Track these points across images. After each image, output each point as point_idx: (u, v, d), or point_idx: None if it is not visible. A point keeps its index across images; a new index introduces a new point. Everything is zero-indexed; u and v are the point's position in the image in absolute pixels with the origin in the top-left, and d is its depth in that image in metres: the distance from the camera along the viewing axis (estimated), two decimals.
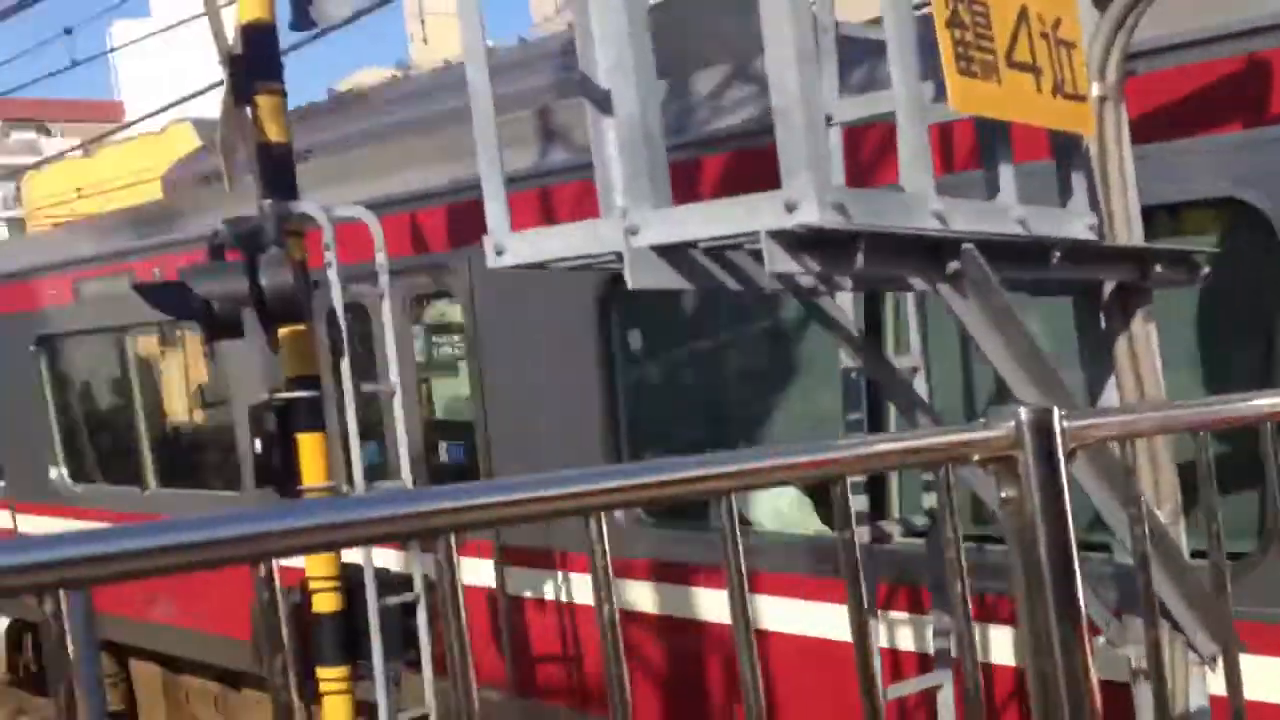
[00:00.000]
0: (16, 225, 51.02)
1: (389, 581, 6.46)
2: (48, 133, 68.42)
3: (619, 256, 2.55)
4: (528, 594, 6.95)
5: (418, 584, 6.44)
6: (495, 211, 2.69)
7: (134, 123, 22.23)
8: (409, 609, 6.44)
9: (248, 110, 5.83)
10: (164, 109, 17.68)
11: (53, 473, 10.28)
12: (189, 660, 9.68)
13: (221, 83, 10.95)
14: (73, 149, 29.25)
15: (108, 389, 10.21)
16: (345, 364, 6.22)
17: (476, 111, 2.65)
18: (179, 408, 9.82)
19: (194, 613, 8.98)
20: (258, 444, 6.46)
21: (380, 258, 6.26)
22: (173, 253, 8.51)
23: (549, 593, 6.82)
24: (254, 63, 5.73)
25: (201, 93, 13.67)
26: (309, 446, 6.21)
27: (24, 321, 10.37)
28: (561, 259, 2.75)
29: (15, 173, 48.69)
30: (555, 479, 1.65)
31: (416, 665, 6.47)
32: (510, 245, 2.69)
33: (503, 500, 1.65)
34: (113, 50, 21.04)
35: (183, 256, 8.01)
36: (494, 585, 7.07)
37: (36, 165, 37.37)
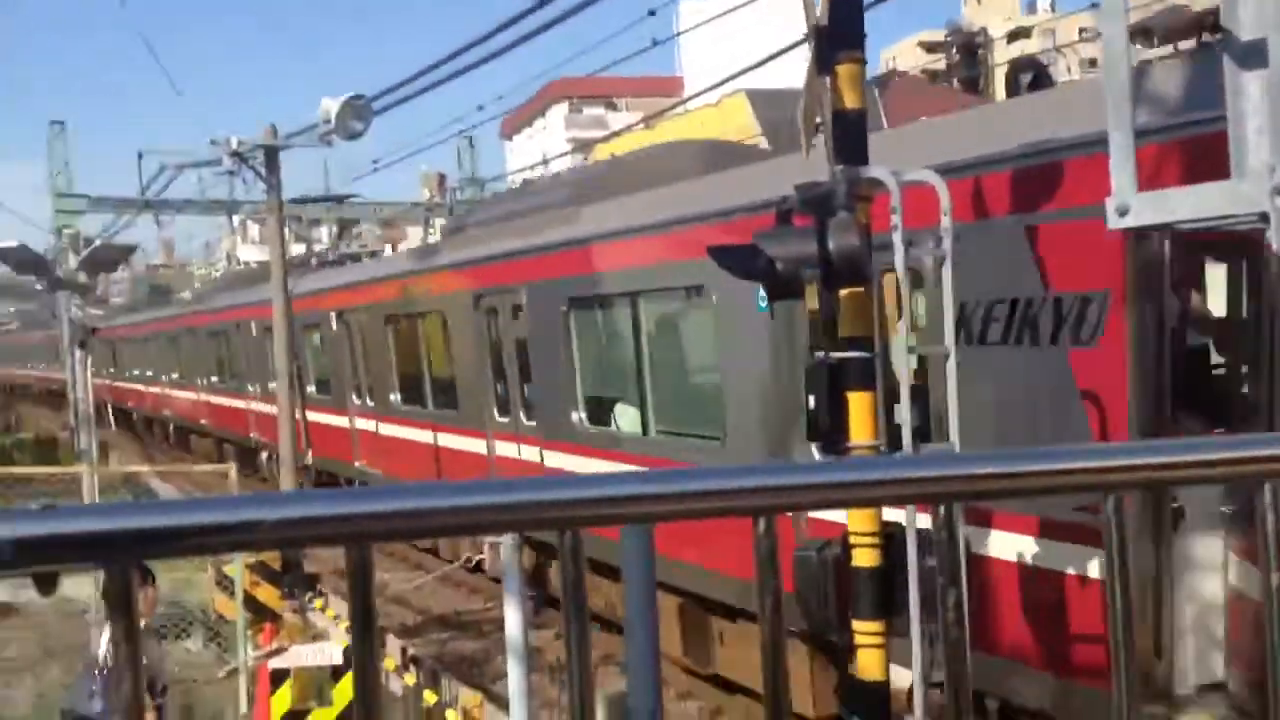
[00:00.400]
0: None
1: (930, 542, 6.51)
2: (614, 108, 75.76)
3: (1263, 217, 2.39)
4: (1070, 571, 6.71)
5: (960, 548, 6.43)
6: (1121, 174, 2.63)
7: (694, 96, 23.92)
8: None
9: (827, 80, 6.10)
10: (722, 82, 18.82)
11: (392, 397, 17.60)
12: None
13: (777, 55, 11.49)
14: (637, 123, 32.05)
15: (407, 350, 17.21)
16: (904, 324, 6.34)
17: (1110, 74, 2.60)
18: (441, 365, 16.25)
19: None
20: (811, 400, 6.78)
21: (945, 221, 6.29)
22: (426, 274, 16.09)
23: (1093, 571, 6.53)
24: (837, 33, 5.97)
25: (757, 66, 14.41)
26: (858, 405, 6.41)
27: (379, 309, 17.78)
28: (1188, 220, 2.63)
29: (585, 146, 54.36)
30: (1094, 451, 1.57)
31: None
32: (1135, 205, 2.61)
33: (1037, 470, 1.57)
34: (680, 34, 22.73)
35: (435, 276, 15.76)
36: (1029, 559, 6.91)
37: (605, 139, 41.39)
